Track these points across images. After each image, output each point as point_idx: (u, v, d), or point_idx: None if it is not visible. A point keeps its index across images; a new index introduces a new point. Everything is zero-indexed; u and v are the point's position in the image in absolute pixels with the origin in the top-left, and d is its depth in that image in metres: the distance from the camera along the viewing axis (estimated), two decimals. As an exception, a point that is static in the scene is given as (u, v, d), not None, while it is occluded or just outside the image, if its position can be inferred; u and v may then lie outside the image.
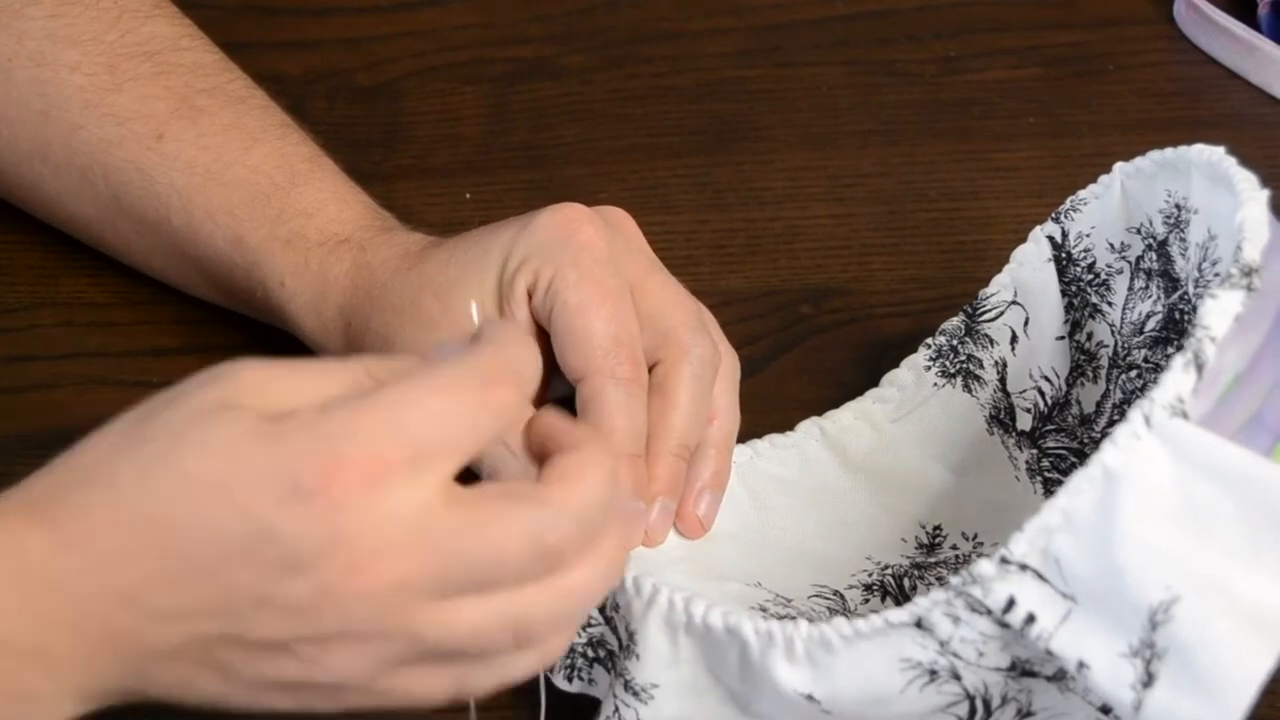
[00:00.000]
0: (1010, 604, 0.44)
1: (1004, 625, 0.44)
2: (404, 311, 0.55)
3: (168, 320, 0.67)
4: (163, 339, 0.67)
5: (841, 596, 0.54)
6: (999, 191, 0.72)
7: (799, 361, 0.65)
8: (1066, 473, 0.55)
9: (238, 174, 0.61)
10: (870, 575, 0.55)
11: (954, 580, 0.44)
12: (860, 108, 0.76)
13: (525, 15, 0.81)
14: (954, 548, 0.56)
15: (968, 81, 0.77)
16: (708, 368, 0.54)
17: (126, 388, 0.65)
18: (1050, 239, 0.56)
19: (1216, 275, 0.49)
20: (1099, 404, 0.55)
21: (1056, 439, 0.56)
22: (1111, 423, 0.55)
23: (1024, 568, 0.44)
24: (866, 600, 0.54)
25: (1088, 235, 0.55)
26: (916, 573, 0.55)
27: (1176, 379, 0.43)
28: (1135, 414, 0.43)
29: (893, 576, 0.55)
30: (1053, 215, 0.56)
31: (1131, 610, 0.42)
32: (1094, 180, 0.71)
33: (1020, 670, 0.45)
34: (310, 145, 0.63)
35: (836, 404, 0.59)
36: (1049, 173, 0.72)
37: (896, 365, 0.58)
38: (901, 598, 0.54)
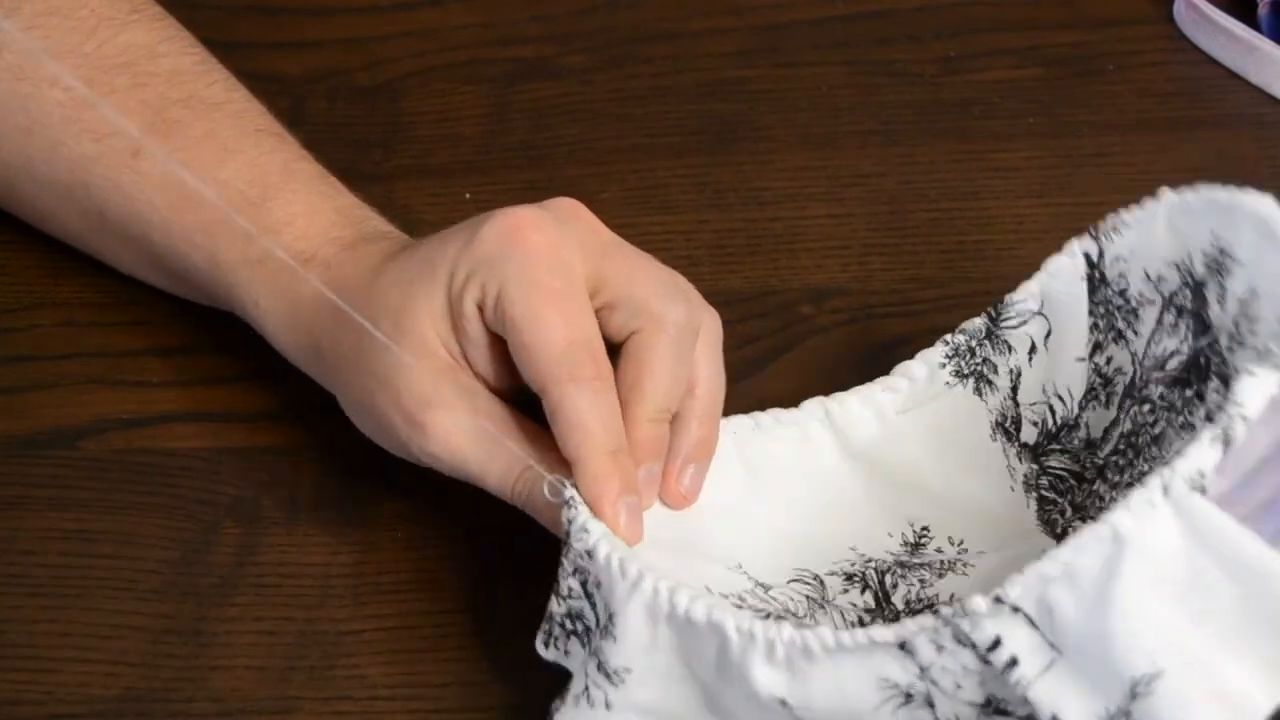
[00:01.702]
0: (996, 643, 0.44)
1: (986, 662, 0.44)
2: (364, 335, 0.55)
3: (168, 320, 0.67)
4: (163, 339, 0.67)
5: (821, 582, 0.54)
6: (999, 191, 0.72)
7: (799, 361, 0.65)
8: (1063, 494, 0.55)
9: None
10: (853, 565, 0.55)
11: (944, 610, 0.44)
12: (860, 108, 0.76)
13: (525, 15, 0.81)
14: (938, 550, 0.55)
15: (968, 81, 0.77)
16: (684, 333, 0.53)
17: (126, 388, 0.65)
18: (1086, 255, 0.55)
19: (1254, 334, 0.48)
20: (1106, 430, 0.55)
21: (1059, 459, 0.56)
22: (1116, 451, 0.54)
23: (1016, 610, 0.43)
24: (846, 590, 0.54)
25: (1124, 260, 0.54)
26: (899, 570, 0.54)
27: (1201, 453, 0.43)
28: (1154, 481, 0.42)
29: (875, 570, 0.54)
30: (1090, 231, 0.54)
31: (1114, 676, 0.42)
32: (1096, 179, 0.72)
33: (994, 708, 0.45)
34: (287, 149, 0.63)
35: (835, 403, 0.59)
36: (1049, 173, 0.72)
37: (896, 365, 0.58)
38: (882, 593, 0.54)
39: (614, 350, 0.54)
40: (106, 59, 0.63)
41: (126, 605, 0.58)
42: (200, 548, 0.60)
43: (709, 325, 0.55)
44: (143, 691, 0.56)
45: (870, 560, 0.55)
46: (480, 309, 0.53)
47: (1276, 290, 0.46)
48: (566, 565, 0.51)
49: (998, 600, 0.43)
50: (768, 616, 0.52)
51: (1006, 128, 0.74)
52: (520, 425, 0.54)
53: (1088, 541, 0.43)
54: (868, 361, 0.59)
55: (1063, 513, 0.55)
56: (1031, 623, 0.43)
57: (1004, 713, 0.45)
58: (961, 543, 0.55)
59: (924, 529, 0.56)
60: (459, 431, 0.53)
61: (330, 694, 0.56)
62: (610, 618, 0.49)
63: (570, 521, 0.50)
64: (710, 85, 0.77)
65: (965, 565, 0.54)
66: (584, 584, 0.50)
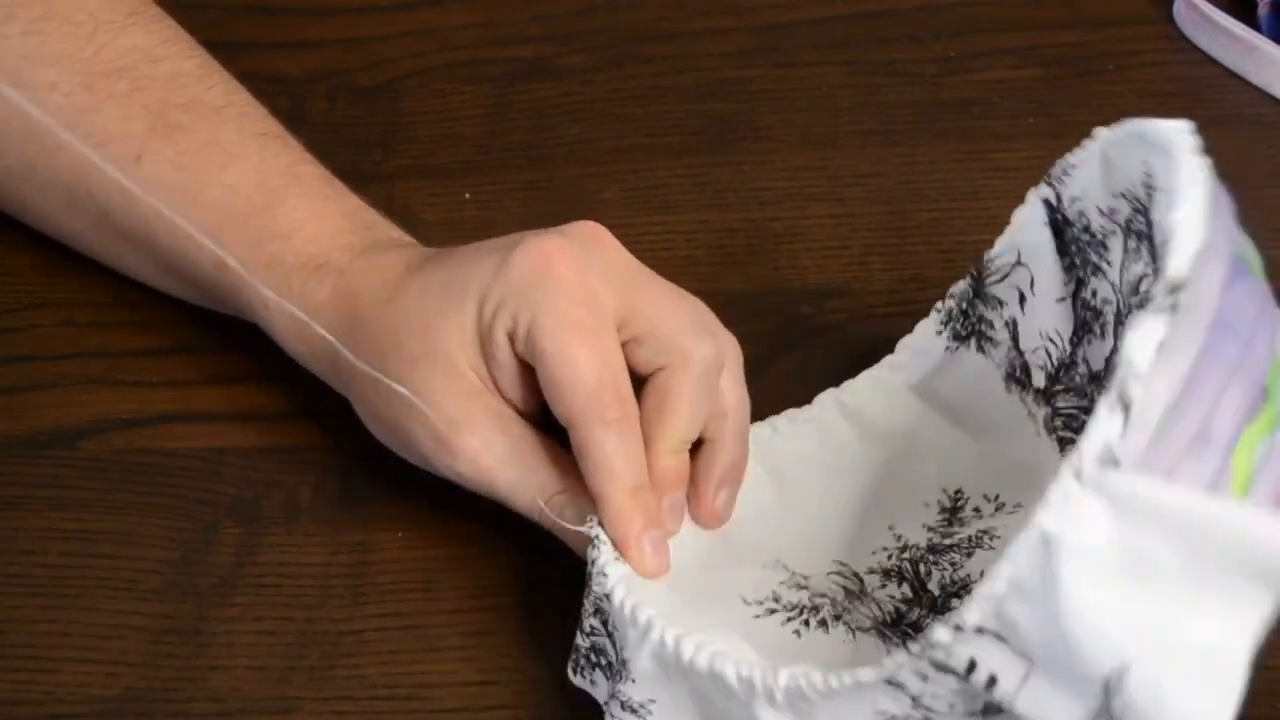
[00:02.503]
0: (972, 665, 0.43)
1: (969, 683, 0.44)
2: (387, 349, 0.55)
3: (167, 320, 0.67)
4: (162, 339, 0.67)
5: (860, 579, 0.54)
6: (999, 191, 0.71)
7: (799, 361, 0.65)
8: (1077, 430, 0.54)
9: (215, 195, 0.60)
10: (890, 558, 0.55)
11: (913, 646, 0.44)
12: (860, 108, 0.76)
13: (525, 15, 0.81)
14: (976, 510, 0.56)
15: (968, 81, 0.77)
16: (711, 369, 0.54)
17: (126, 388, 0.65)
18: (1045, 202, 0.55)
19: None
20: (1108, 360, 0.54)
21: (1066, 399, 0.56)
22: None
23: (981, 631, 0.43)
24: (884, 585, 0.54)
25: (1079, 200, 0.54)
26: (932, 558, 0.55)
27: (1103, 426, 0.41)
28: (1065, 470, 0.41)
29: (910, 561, 0.55)
30: (1045, 179, 0.55)
31: (1085, 679, 0.42)
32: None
33: (991, 710, 0.45)
34: (291, 153, 0.62)
35: (837, 404, 0.59)
36: (1049, 173, 0.72)
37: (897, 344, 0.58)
38: (918, 583, 0.54)
39: (637, 379, 0.54)
40: (105, 63, 0.63)
41: (126, 605, 0.58)
42: (200, 548, 0.60)
43: (731, 353, 0.56)
44: (143, 691, 0.56)
45: (905, 547, 0.55)
46: (510, 338, 0.53)
47: (1165, 220, 0.44)
48: (588, 605, 0.51)
49: (958, 629, 0.43)
50: (802, 611, 0.52)
51: (1006, 128, 0.74)
52: (547, 449, 0.55)
53: (1019, 551, 0.42)
54: (868, 361, 0.59)
55: None
56: (1000, 638, 0.43)
57: (1001, 710, 0.45)
58: (998, 497, 0.56)
59: (958, 492, 0.57)
60: (488, 454, 0.54)
61: (330, 694, 0.56)
62: (624, 663, 0.49)
63: (593, 562, 0.51)
64: (710, 85, 0.77)
65: (991, 538, 0.55)
66: (604, 623, 0.51)
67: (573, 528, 0.53)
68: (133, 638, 0.57)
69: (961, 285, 0.58)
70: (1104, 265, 0.54)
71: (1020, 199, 0.72)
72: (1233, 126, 0.74)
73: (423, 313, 0.55)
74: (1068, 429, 0.55)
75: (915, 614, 0.53)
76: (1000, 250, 0.57)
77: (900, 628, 0.53)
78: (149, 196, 0.61)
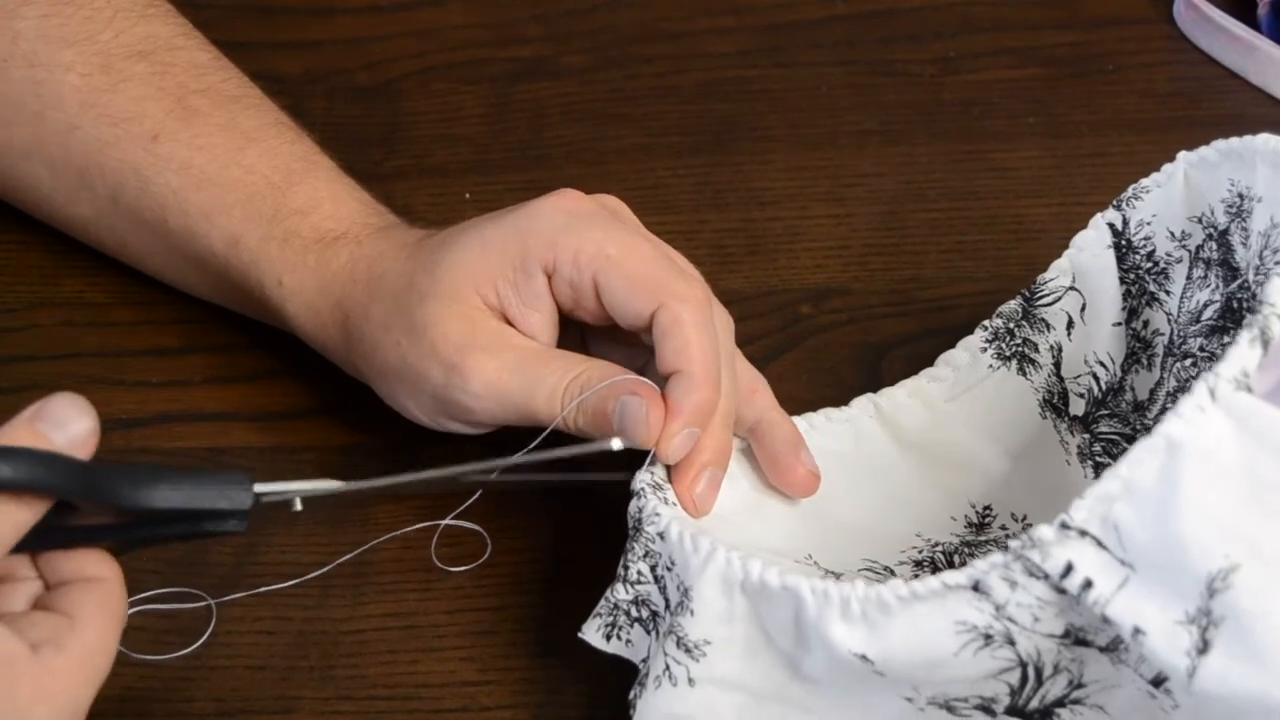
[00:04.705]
0: (1068, 569, 0.44)
1: (1060, 591, 0.44)
2: (399, 295, 0.56)
3: (167, 320, 0.67)
4: (163, 339, 0.67)
5: (891, 572, 0.54)
6: (999, 191, 0.72)
7: (799, 361, 0.65)
8: (1117, 457, 0.55)
9: (233, 174, 0.61)
10: (920, 552, 0.55)
11: (1013, 544, 0.44)
12: (860, 108, 0.76)
13: (525, 15, 0.81)
14: (1003, 528, 0.56)
15: (968, 81, 0.77)
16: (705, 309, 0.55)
17: (126, 388, 0.65)
18: (1110, 226, 0.57)
19: (1279, 263, 0.49)
20: (1153, 391, 0.56)
21: (1109, 424, 0.57)
22: (1164, 410, 0.55)
23: (1083, 534, 0.44)
24: (916, 575, 0.54)
25: (1148, 223, 0.56)
26: (966, 549, 0.55)
27: (1242, 353, 0.43)
28: (1200, 386, 0.43)
29: (943, 553, 0.55)
30: (1114, 203, 0.56)
31: (1189, 577, 0.42)
32: (1096, 179, 0.72)
33: (1074, 639, 0.46)
34: (305, 143, 0.63)
35: (837, 403, 0.59)
36: (1049, 173, 0.72)
37: (896, 365, 0.58)
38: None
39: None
40: (124, 47, 0.64)
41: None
42: (200, 548, 0.60)
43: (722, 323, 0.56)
44: (143, 691, 0.56)
45: (937, 544, 0.56)
46: (549, 273, 0.54)
47: None
48: (637, 549, 0.51)
49: (1064, 526, 0.44)
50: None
51: (1006, 128, 0.74)
52: (556, 354, 0.55)
53: (1142, 454, 0.43)
54: (868, 361, 0.59)
55: None
56: (1099, 544, 0.43)
57: (1085, 642, 0.46)
58: (1025, 518, 0.57)
59: (986, 508, 0.57)
60: (498, 367, 0.54)
61: (330, 694, 0.56)
62: (686, 593, 0.49)
63: (640, 510, 0.51)
64: (710, 85, 0.77)
65: (1041, 524, 0.55)
66: (654, 568, 0.51)
67: (600, 387, 0.52)
68: (133, 638, 0.57)
69: (1011, 305, 0.58)
70: (1161, 295, 0.55)
71: (1020, 199, 0.72)
72: (1233, 126, 0.74)
73: (437, 257, 0.56)
74: (1107, 454, 0.56)
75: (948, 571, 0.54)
76: (1054, 273, 0.58)
77: None
78: (164, 175, 0.61)
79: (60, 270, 0.69)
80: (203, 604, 0.57)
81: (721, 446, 0.54)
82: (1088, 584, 0.44)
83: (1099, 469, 0.56)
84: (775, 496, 0.56)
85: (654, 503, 0.51)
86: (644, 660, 0.51)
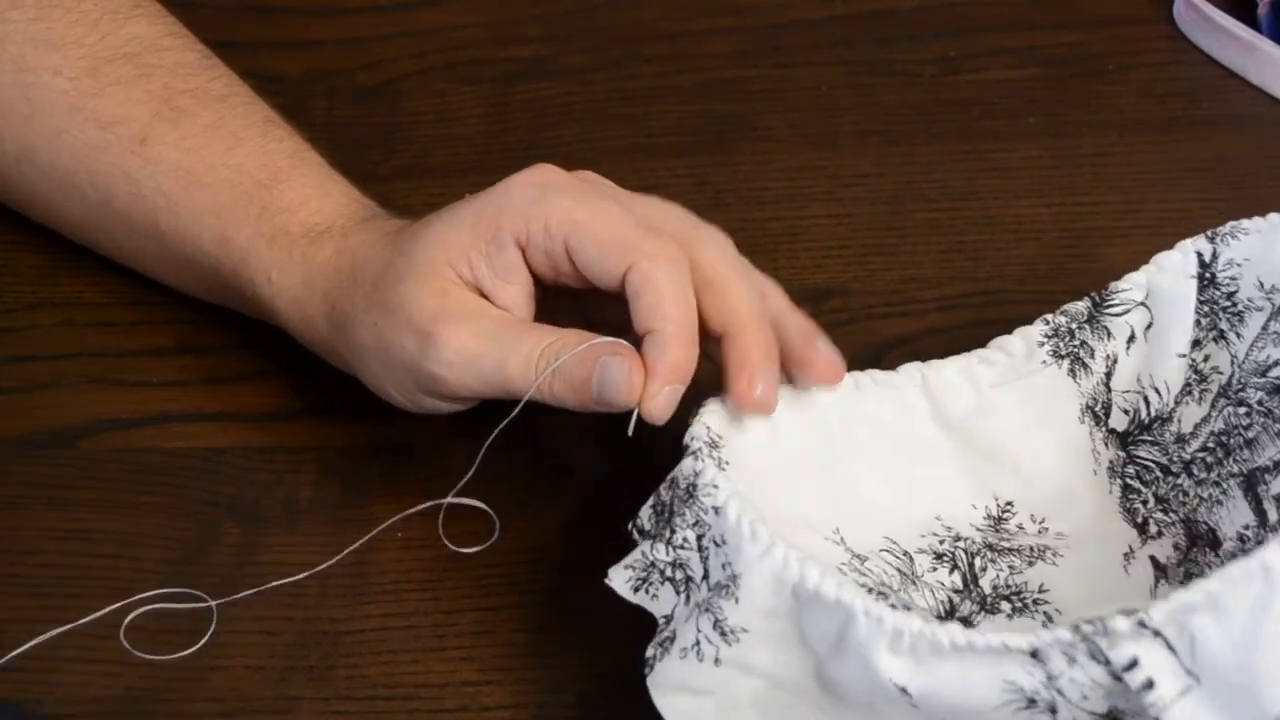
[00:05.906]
0: (1133, 663, 0.44)
1: (1118, 679, 0.44)
2: (378, 278, 0.56)
3: (167, 320, 0.67)
4: (162, 339, 0.67)
5: (910, 558, 0.54)
6: (999, 191, 0.72)
7: (799, 361, 0.65)
8: (1148, 484, 0.56)
9: (221, 175, 0.61)
10: (941, 543, 0.55)
11: (1084, 626, 0.44)
12: (860, 108, 0.76)
13: (525, 15, 0.81)
14: (1020, 526, 0.56)
15: (968, 81, 0.77)
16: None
17: (126, 388, 0.65)
18: (1199, 255, 0.56)
19: None
20: (1197, 426, 0.56)
21: (1149, 450, 0.56)
22: (1205, 448, 0.55)
23: (1157, 634, 0.44)
24: (934, 569, 0.54)
25: (1239, 264, 0.55)
26: (989, 554, 0.55)
27: None
28: None
29: (965, 552, 0.55)
30: (1208, 234, 0.56)
31: (1257, 711, 0.42)
32: (1096, 179, 0.72)
33: (1113, 719, 0.46)
34: (293, 140, 0.63)
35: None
36: (1049, 173, 0.72)
37: (896, 365, 0.58)
38: (970, 576, 0.54)
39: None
40: (110, 50, 0.64)
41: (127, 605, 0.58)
42: (200, 548, 0.60)
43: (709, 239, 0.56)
44: (143, 691, 0.56)
45: (959, 538, 0.55)
46: (522, 246, 0.54)
47: None
48: (687, 516, 0.50)
49: (1141, 624, 0.44)
50: (870, 592, 0.52)
51: (1006, 128, 0.74)
52: (530, 325, 0.55)
53: (1237, 575, 0.43)
54: (868, 361, 0.59)
55: (1145, 502, 0.56)
56: (1170, 647, 0.44)
57: None
58: (1043, 520, 0.56)
59: (1008, 504, 0.57)
60: (471, 333, 0.54)
61: (330, 694, 0.56)
62: (734, 579, 0.48)
63: (696, 475, 0.50)
64: (710, 85, 0.77)
65: (1055, 555, 0.55)
66: (700, 538, 0.50)
67: (578, 349, 0.52)
68: (133, 637, 0.57)
69: (1079, 305, 0.58)
70: (1231, 336, 0.55)
71: (1020, 199, 0.72)
72: (1233, 126, 0.74)
73: (414, 240, 0.56)
74: (1138, 479, 0.56)
75: (966, 607, 0.54)
76: (1127, 284, 0.57)
77: (953, 620, 0.53)
78: (154, 178, 0.61)
79: (60, 270, 0.69)
80: (204, 605, 0.58)
81: (768, 345, 0.53)
82: (1150, 684, 0.44)
83: (1127, 489, 0.56)
84: (812, 462, 0.55)
85: (711, 471, 0.50)
86: (665, 617, 0.51)
